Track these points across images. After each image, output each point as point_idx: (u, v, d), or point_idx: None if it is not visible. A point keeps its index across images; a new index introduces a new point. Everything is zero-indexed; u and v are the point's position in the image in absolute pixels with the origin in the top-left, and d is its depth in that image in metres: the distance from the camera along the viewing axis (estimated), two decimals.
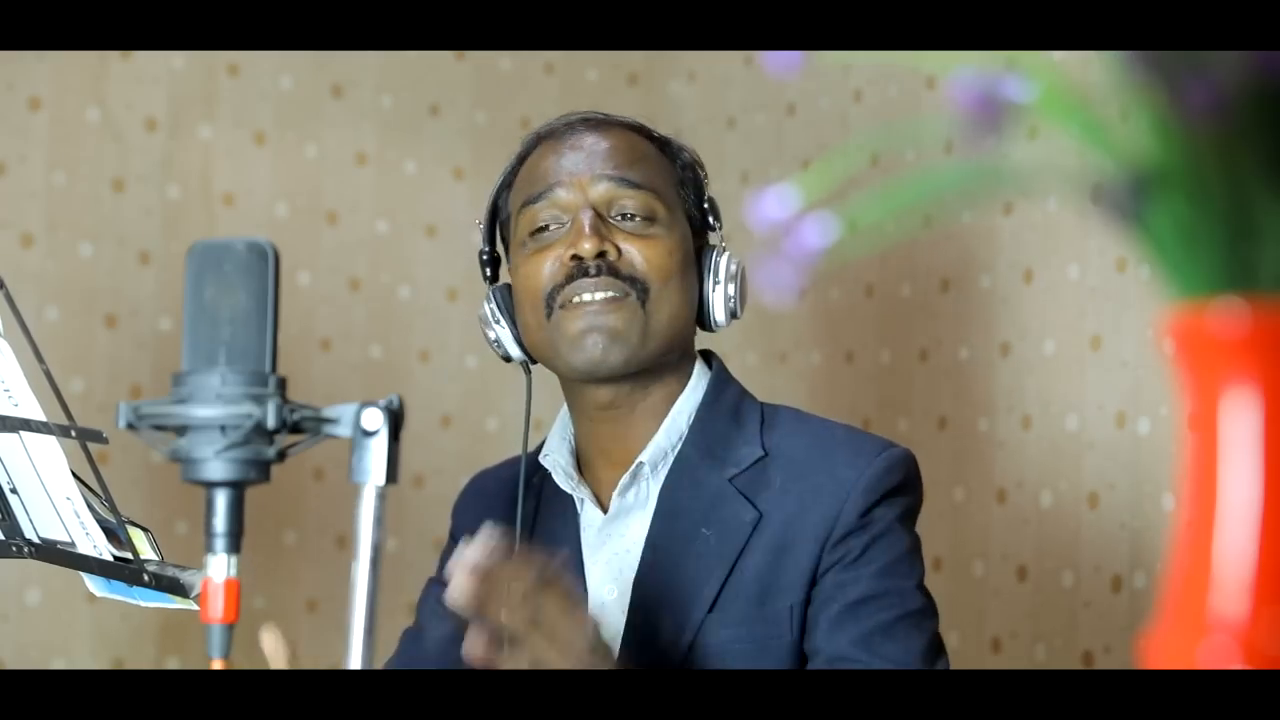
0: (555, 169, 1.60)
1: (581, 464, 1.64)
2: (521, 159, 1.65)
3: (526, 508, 1.64)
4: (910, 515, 1.58)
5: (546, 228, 1.60)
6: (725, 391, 1.63)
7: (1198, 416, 0.65)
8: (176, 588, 1.39)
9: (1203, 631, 0.64)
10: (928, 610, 1.53)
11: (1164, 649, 0.66)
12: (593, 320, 1.55)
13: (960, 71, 0.64)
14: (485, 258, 1.67)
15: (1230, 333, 0.63)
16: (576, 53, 2.67)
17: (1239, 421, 0.64)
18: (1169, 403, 2.03)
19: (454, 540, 1.76)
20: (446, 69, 2.61)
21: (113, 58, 2.39)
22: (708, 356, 1.66)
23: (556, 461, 1.63)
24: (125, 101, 2.40)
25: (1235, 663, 0.63)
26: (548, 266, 1.58)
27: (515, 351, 1.64)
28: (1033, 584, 2.18)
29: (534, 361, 1.64)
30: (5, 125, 2.33)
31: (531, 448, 1.67)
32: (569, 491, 1.62)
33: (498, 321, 1.64)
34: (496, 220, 1.67)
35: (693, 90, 2.73)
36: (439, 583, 1.73)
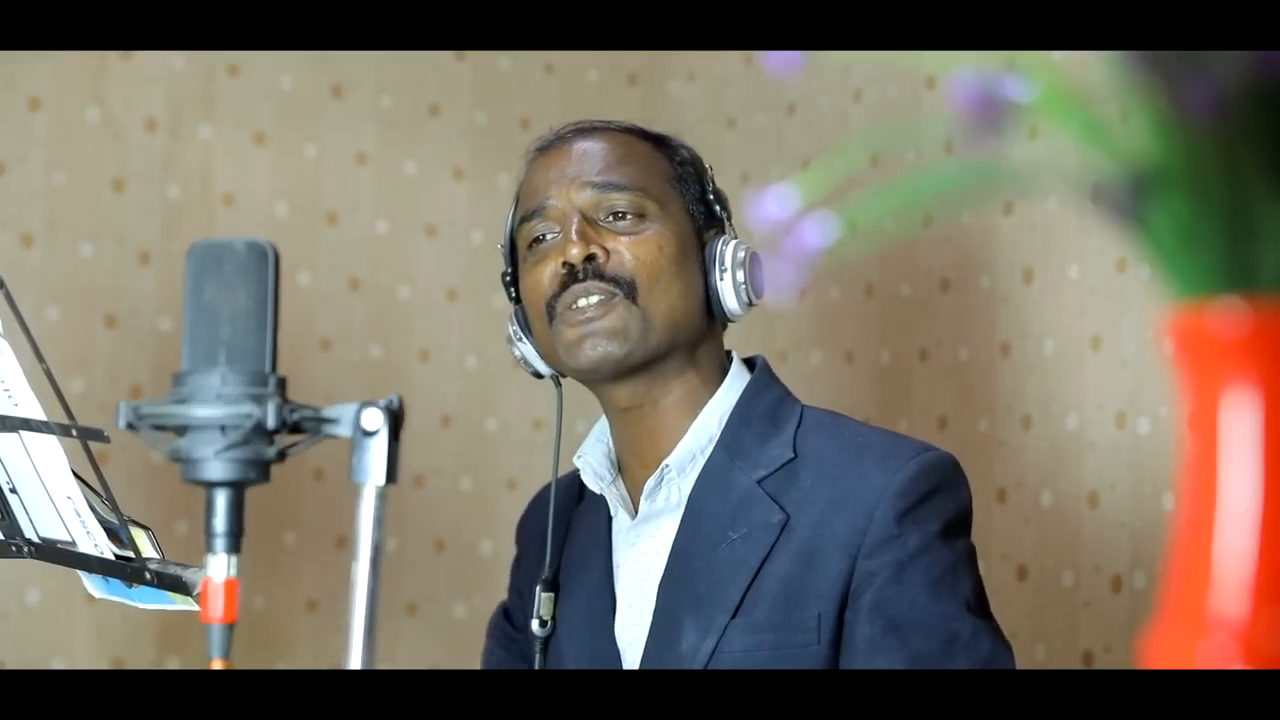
0: (545, 182, 1.63)
1: (621, 466, 1.65)
2: (525, 175, 1.68)
3: (572, 512, 1.68)
4: (953, 524, 1.52)
5: (543, 238, 1.62)
6: (764, 394, 1.62)
7: (1198, 416, 0.65)
8: (179, 586, 1.39)
9: (1203, 631, 0.64)
10: (976, 631, 1.48)
11: (1164, 649, 0.66)
12: (586, 327, 1.57)
13: (960, 71, 0.64)
14: (508, 279, 1.68)
15: (1230, 333, 0.63)
16: (576, 53, 2.66)
17: (1239, 421, 0.64)
18: (1169, 403, 2.03)
19: (519, 552, 1.79)
20: (446, 69, 2.61)
21: (113, 58, 2.39)
22: (752, 362, 1.67)
23: (589, 463, 1.64)
24: (125, 101, 2.40)
25: (1235, 663, 0.63)
26: (545, 277, 1.60)
27: (541, 367, 1.66)
28: (1033, 584, 2.18)
29: (563, 375, 1.65)
30: (5, 125, 2.33)
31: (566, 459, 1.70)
32: (597, 492, 1.63)
33: (520, 340, 1.66)
34: (513, 240, 1.69)
35: (693, 90, 2.73)
36: (505, 607, 1.79)
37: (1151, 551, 2.05)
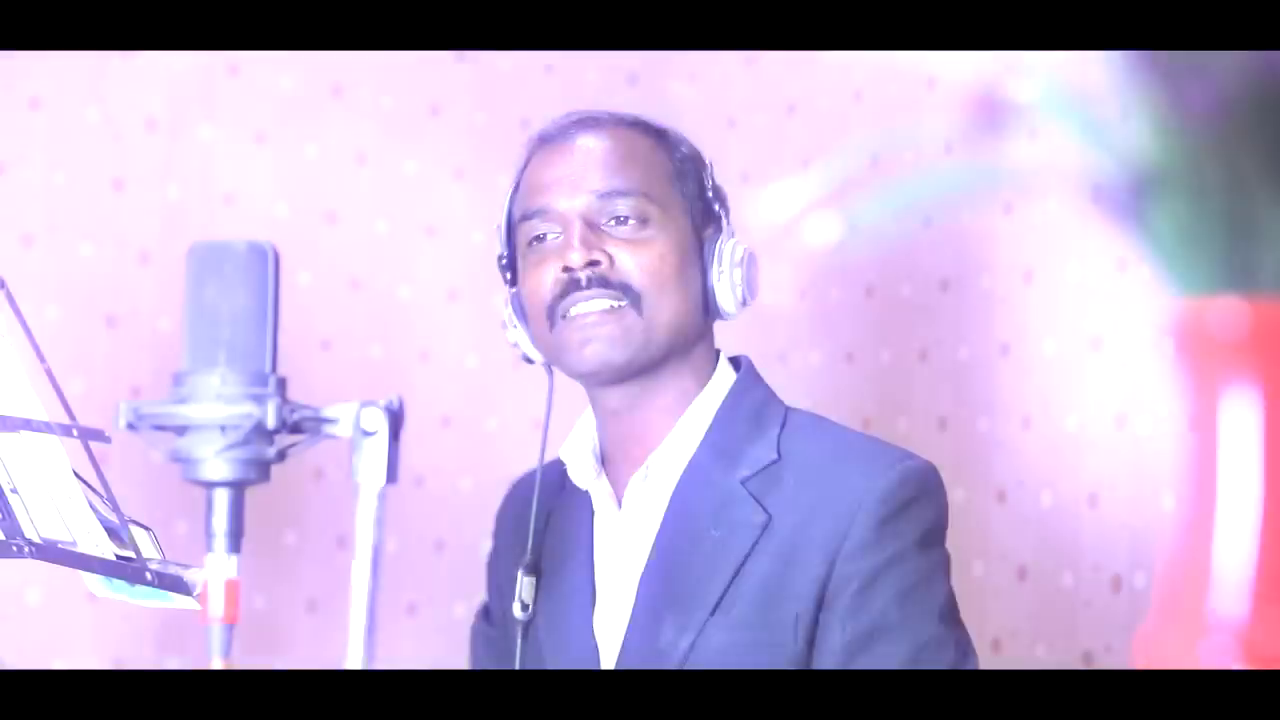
0: (549, 180, 1.62)
1: (605, 461, 1.65)
2: (526, 163, 1.67)
3: (552, 503, 1.67)
4: (930, 534, 1.55)
5: (544, 236, 1.62)
6: (749, 394, 1.63)
7: (1198, 416, 0.65)
8: (179, 586, 1.38)
9: (1203, 631, 0.64)
10: (942, 640, 1.51)
11: (1163, 649, 0.66)
12: (590, 332, 1.57)
13: (960, 71, 0.64)
14: (504, 262, 1.68)
15: (1230, 333, 0.63)
16: (576, 53, 2.66)
17: (1239, 421, 0.64)
18: (1169, 403, 2.03)
19: (497, 541, 1.79)
20: (446, 69, 2.61)
21: (113, 58, 2.39)
22: (737, 361, 1.67)
23: (573, 455, 1.64)
24: (125, 101, 2.40)
25: (1235, 663, 0.63)
26: (546, 279, 1.59)
27: (534, 354, 1.66)
28: (1033, 584, 2.18)
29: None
30: (5, 125, 2.33)
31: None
32: (582, 486, 1.64)
33: (515, 325, 1.66)
34: (510, 225, 1.69)
35: (693, 90, 2.73)
36: (484, 607, 1.80)
37: (1151, 551, 2.05)
